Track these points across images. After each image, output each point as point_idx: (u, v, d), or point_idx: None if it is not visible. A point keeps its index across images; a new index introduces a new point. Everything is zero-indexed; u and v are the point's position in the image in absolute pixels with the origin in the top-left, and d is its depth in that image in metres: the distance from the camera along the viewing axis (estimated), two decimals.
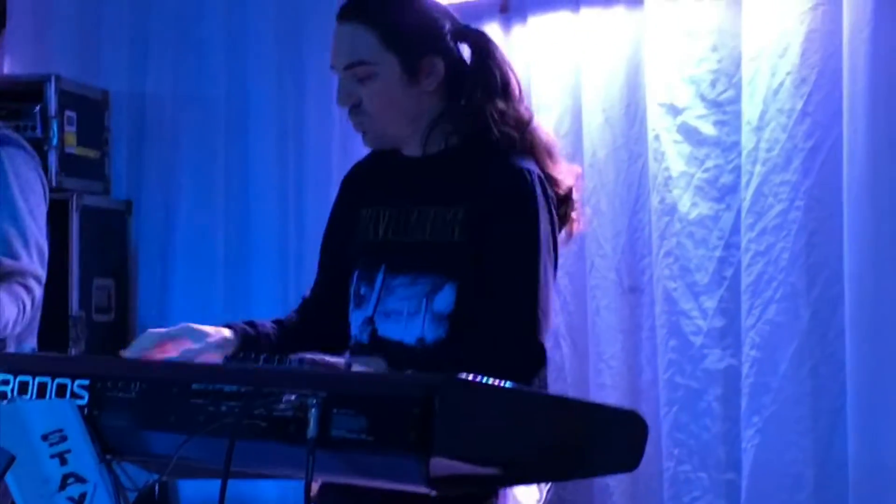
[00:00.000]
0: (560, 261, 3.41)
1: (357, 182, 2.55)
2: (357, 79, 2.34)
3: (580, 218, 2.43)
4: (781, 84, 3.27)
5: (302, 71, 4.16)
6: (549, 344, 2.33)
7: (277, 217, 4.19)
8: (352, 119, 2.39)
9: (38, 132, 4.03)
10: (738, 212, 3.36)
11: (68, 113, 4.11)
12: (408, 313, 2.32)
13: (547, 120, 3.67)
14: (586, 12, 3.64)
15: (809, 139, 3.24)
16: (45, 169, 3.94)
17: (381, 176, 2.49)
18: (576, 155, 3.65)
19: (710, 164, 3.42)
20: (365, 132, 2.39)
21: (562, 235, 2.40)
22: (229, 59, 4.29)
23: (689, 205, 3.43)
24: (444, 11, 2.42)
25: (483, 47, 2.40)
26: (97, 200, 4.24)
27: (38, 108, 4.03)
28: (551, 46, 3.70)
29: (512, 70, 2.42)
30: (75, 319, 4.05)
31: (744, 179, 3.33)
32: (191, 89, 4.34)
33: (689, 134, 3.44)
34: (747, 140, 3.32)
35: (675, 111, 3.45)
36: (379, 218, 2.41)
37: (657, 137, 3.47)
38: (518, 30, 3.80)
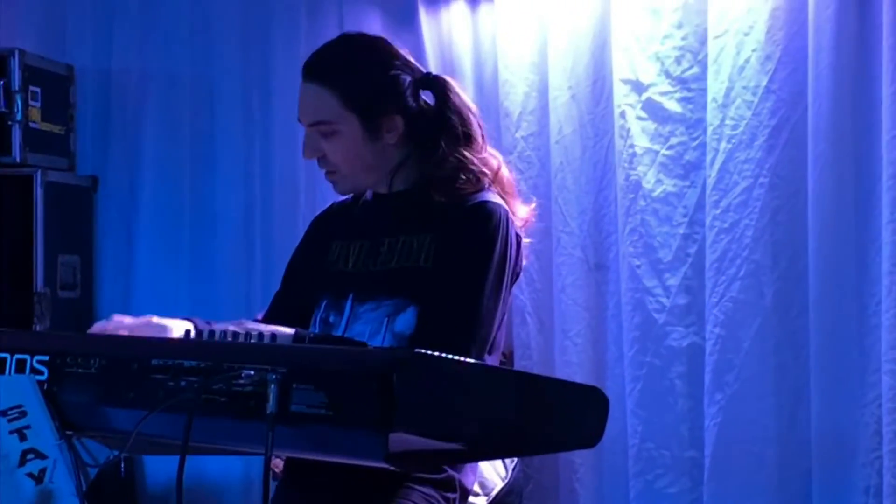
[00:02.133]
0: (525, 239, 3.41)
1: (327, 220, 2.62)
2: (321, 134, 2.41)
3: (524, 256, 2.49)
4: (747, 61, 3.28)
5: (268, 46, 4.14)
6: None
7: (243, 194, 4.17)
8: (321, 168, 2.47)
9: (2, 107, 4.00)
10: (703, 189, 3.37)
11: (32, 88, 4.08)
12: (370, 334, 2.35)
13: (513, 97, 3.68)
14: None
15: (774, 116, 3.25)
16: (9, 144, 3.95)
17: (351, 213, 2.56)
18: (542, 132, 3.65)
19: (674, 140, 3.43)
20: (335, 182, 2.47)
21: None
22: (195, 35, 4.26)
23: (654, 182, 3.43)
24: (404, 62, 2.47)
25: (442, 95, 2.47)
26: (62, 176, 4.21)
27: (1, 82, 4.00)
28: (518, 23, 3.69)
29: (473, 114, 2.49)
30: (40, 296, 4.02)
31: (708, 157, 3.34)
32: (156, 65, 4.31)
33: (654, 111, 3.44)
34: (712, 117, 3.33)
35: (640, 88, 3.45)
36: (350, 250, 2.47)
37: (622, 114, 3.47)
38: (485, 7, 3.80)
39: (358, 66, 2.43)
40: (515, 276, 2.42)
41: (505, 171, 2.48)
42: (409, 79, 2.45)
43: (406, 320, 2.33)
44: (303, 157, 2.49)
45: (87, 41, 4.38)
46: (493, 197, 2.39)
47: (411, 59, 2.50)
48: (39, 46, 4.26)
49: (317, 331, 2.45)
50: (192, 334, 2.27)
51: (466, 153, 2.42)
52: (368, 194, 2.55)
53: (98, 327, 2.31)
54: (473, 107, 2.51)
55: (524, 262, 2.52)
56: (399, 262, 2.38)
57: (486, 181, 2.42)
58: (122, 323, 2.29)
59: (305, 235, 2.65)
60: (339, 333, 2.40)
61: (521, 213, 2.46)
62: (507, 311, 2.45)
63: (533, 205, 2.53)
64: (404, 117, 2.43)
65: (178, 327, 2.28)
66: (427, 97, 2.49)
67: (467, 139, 2.44)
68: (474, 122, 2.48)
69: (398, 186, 2.46)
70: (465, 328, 2.28)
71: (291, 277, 2.61)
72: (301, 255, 2.62)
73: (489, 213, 2.35)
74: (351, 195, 2.61)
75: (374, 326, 2.36)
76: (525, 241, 2.49)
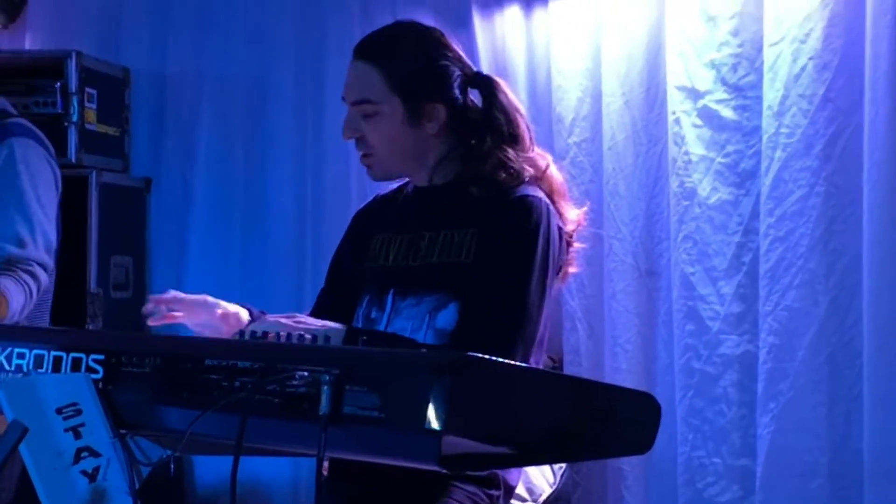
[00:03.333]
0: (576, 244, 3.41)
1: (369, 214, 2.65)
2: (362, 115, 2.41)
3: (573, 261, 2.47)
4: (803, 69, 3.25)
5: (322, 50, 4.15)
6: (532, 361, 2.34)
7: (295, 196, 4.19)
8: (358, 150, 2.48)
9: (59, 108, 4.03)
10: (758, 197, 3.34)
11: (89, 90, 4.11)
12: (411, 330, 2.35)
13: (566, 102, 3.67)
14: None
15: (831, 125, 3.22)
16: (65, 146, 3.99)
17: (392, 207, 2.57)
18: (595, 138, 3.65)
19: (730, 148, 3.41)
20: (369, 166, 2.48)
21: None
22: (250, 38, 4.28)
23: (709, 189, 3.41)
24: (455, 56, 2.48)
25: (490, 94, 2.48)
26: (116, 178, 4.24)
27: (58, 84, 4.03)
28: (571, 29, 3.69)
29: (521, 115, 2.49)
30: (93, 296, 4.05)
31: (764, 165, 3.32)
32: (211, 68, 4.33)
33: (710, 118, 3.42)
34: (768, 125, 3.30)
35: (695, 95, 3.44)
36: (390, 244, 2.47)
37: (677, 121, 3.45)
38: (539, 13, 3.79)
39: (407, 50, 2.44)
40: (559, 269, 2.41)
41: (555, 172, 2.47)
42: (457, 71, 2.46)
43: (448, 316, 2.32)
44: (343, 137, 2.49)
45: (143, 44, 4.41)
46: (534, 190, 2.38)
47: (463, 55, 2.51)
48: (96, 49, 4.30)
49: (360, 327, 2.45)
50: (246, 319, 2.29)
51: (510, 152, 2.42)
52: (409, 188, 2.55)
53: (153, 300, 2.35)
54: (521, 108, 2.51)
55: (574, 270, 2.51)
56: (440, 257, 2.38)
57: (527, 176, 2.41)
58: (178, 296, 2.33)
59: (348, 230, 2.65)
60: (381, 329, 2.40)
61: (571, 215, 2.45)
62: (554, 307, 2.44)
63: (585, 208, 2.52)
64: (447, 108, 2.43)
65: (232, 308, 2.30)
66: (475, 96, 2.50)
67: (513, 139, 2.45)
68: (521, 122, 2.48)
69: (439, 180, 2.46)
70: (511, 324, 2.28)
71: (335, 274, 2.62)
72: (343, 252, 2.63)
73: (530, 207, 2.34)
74: (395, 188, 2.61)
75: (415, 322, 2.36)
76: (576, 245, 2.48)
